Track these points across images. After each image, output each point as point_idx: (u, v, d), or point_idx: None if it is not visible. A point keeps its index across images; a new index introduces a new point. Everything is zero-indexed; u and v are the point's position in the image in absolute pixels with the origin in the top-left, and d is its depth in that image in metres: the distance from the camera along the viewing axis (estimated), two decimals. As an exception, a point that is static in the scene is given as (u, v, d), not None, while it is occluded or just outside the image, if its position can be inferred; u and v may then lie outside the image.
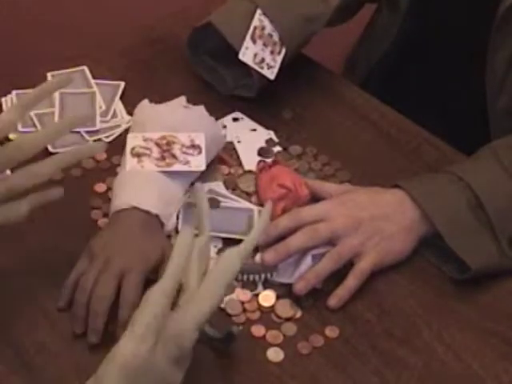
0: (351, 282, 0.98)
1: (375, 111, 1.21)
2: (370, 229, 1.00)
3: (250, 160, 1.12)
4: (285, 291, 0.98)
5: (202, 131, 1.06)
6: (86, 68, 1.23)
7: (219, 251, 1.01)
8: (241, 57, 1.12)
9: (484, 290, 1.00)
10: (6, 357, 0.92)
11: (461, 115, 1.28)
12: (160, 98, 1.11)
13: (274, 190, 1.05)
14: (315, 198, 1.05)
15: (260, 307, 0.97)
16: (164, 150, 1.03)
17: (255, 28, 1.13)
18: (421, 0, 1.26)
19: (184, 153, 1.04)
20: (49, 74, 1.22)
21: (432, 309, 0.98)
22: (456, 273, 1.00)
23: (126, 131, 1.12)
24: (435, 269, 1.02)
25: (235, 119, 1.18)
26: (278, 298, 0.98)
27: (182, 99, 1.11)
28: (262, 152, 1.14)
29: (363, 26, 1.43)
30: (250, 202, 1.07)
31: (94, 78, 1.22)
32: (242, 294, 0.97)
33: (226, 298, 0.97)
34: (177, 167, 1.02)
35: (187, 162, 1.03)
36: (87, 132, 1.15)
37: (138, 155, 1.03)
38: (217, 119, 1.13)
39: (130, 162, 1.02)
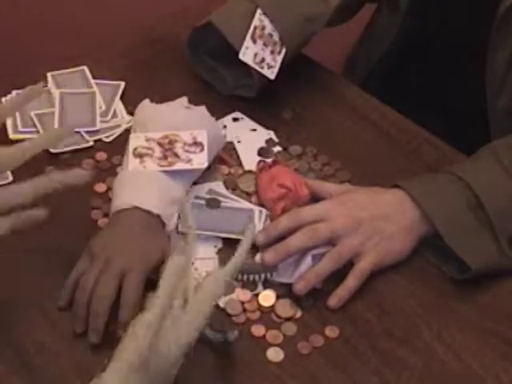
0: (351, 281, 0.98)
1: (375, 111, 1.21)
2: (370, 229, 1.00)
3: (250, 160, 1.12)
4: (285, 291, 0.98)
5: (204, 130, 1.06)
6: (86, 68, 1.23)
7: (219, 251, 1.01)
8: (241, 57, 1.12)
9: (484, 290, 1.00)
10: (6, 357, 0.92)
11: (461, 115, 1.28)
12: (160, 97, 1.11)
13: (274, 190, 1.05)
14: (315, 198, 1.05)
15: (260, 307, 0.97)
16: (166, 149, 1.03)
17: (255, 28, 1.13)
18: (421, 0, 1.26)
19: (186, 151, 1.04)
20: (49, 74, 1.22)
21: (432, 309, 0.98)
22: (456, 273, 1.00)
23: (127, 131, 1.13)
24: (435, 269, 1.02)
25: (235, 119, 1.18)
26: (278, 297, 0.98)
27: (184, 100, 1.11)
28: (261, 152, 1.14)
29: (363, 26, 1.43)
30: (250, 201, 1.07)
31: (94, 78, 1.22)
32: (242, 294, 0.97)
33: (226, 298, 0.97)
34: (179, 166, 1.02)
35: (189, 160, 1.03)
36: (87, 132, 1.15)
37: (141, 156, 1.03)
38: (217, 119, 1.13)
39: (132, 162, 1.02)
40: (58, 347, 0.92)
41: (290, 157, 1.14)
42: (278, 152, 1.14)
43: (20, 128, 1.15)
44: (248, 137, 1.16)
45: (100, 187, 1.09)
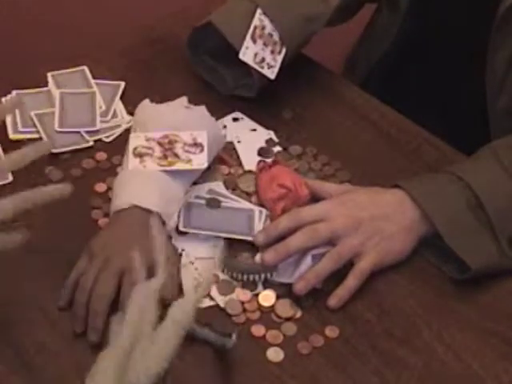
0: (351, 281, 0.98)
1: (375, 111, 1.21)
2: (370, 229, 1.00)
3: (250, 160, 1.12)
4: (285, 291, 0.98)
5: (204, 131, 1.06)
6: (86, 68, 1.23)
7: (219, 251, 1.01)
8: (241, 56, 1.12)
9: (484, 290, 1.00)
10: (6, 357, 0.92)
11: (461, 115, 1.28)
12: (160, 97, 1.11)
13: (274, 190, 1.05)
14: (315, 198, 1.05)
15: (260, 307, 0.97)
16: (166, 149, 1.03)
17: (255, 27, 1.13)
18: (421, 0, 1.26)
19: (186, 151, 1.04)
20: (49, 74, 1.22)
21: (432, 309, 0.98)
22: (456, 273, 1.00)
23: (127, 131, 1.13)
24: (435, 269, 1.02)
25: (235, 119, 1.18)
26: (278, 297, 0.98)
27: (184, 99, 1.11)
28: (261, 152, 1.14)
29: (363, 26, 1.43)
30: (250, 202, 1.07)
31: (94, 78, 1.22)
32: (242, 294, 0.97)
33: (226, 298, 0.97)
34: (179, 166, 1.03)
35: (189, 161, 1.03)
36: (87, 132, 1.15)
37: (141, 155, 1.03)
38: (217, 119, 1.13)
39: (132, 162, 1.02)
40: (57, 347, 0.92)
41: (290, 157, 1.14)
42: (278, 152, 1.14)
43: (20, 128, 1.15)
44: (248, 137, 1.16)
45: (100, 187, 1.09)
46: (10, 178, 1.08)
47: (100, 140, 1.15)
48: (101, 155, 1.13)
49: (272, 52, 1.14)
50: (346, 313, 0.97)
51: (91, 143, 1.14)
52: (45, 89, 1.20)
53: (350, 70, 1.44)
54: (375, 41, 1.36)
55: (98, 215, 1.05)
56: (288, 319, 0.96)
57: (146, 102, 1.10)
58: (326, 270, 0.97)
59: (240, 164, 1.12)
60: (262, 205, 1.06)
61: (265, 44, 1.14)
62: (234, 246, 1.01)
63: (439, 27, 1.28)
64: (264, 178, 1.07)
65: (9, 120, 1.15)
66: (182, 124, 1.06)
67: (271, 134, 1.16)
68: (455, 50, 1.27)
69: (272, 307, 0.97)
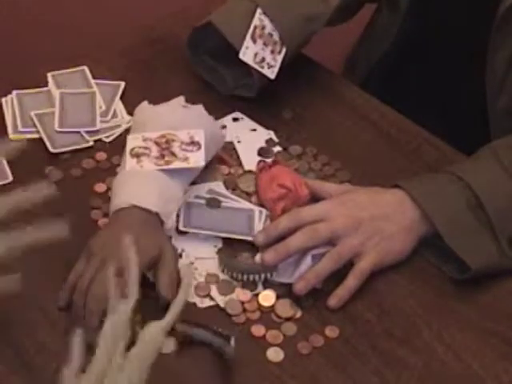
0: (351, 281, 0.98)
1: (375, 111, 1.21)
2: (370, 229, 1.00)
3: (250, 160, 1.12)
4: (285, 291, 0.98)
5: (201, 129, 1.06)
6: (86, 68, 1.23)
7: (219, 251, 1.01)
8: (241, 56, 1.12)
9: (484, 290, 1.00)
10: (6, 357, 0.92)
11: (461, 115, 1.28)
12: (160, 98, 1.11)
13: (274, 190, 1.05)
14: (315, 198, 1.05)
15: (260, 307, 0.97)
16: (163, 149, 1.03)
17: (255, 27, 1.13)
18: (421, 0, 1.26)
19: (183, 150, 1.04)
20: (49, 74, 1.22)
21: (432, 309, 0.98)
22: (456, 273, 1.00)
23: (127, 131, 1.13)
24: (435, 269, 1.02)
25: (235, 119, 1.18)
26: (278, 297, 0.98)
27: (181, 99, 1.11)
28: (262, 152, 1.14)
29: (363, 26, 1.43)
30: (250, 202, 1.07)
31: (94, 78, 1.22)
32: (242, 294, 0.97)
33: (226, 298, 0.97)
34: (176, 164, 1.02)
35: (186, 159, 1.03)
36: (87, 132, 1.15)
37: (138, 155, 1.03)
38: (217, 119, 1.13)
39: (129, 162, 1.02)
40: (57, 347, 0.92)
41: (290, 157, 1.14)
42: (278, 152, 1.14)
43: (20, 128, 1.15)
44: (248, 137, 1.16)
45: (100, 187, 1.09)
46: (10, 177, 1.08)
47: (100, 140, 1.15)
48: (101, 155, 1.13)
49: (272, 52, 1.14)
50: (346, 313, 0.97)
51: (91, 143, 1.14)
52: (45, 89, 1.20)
53: (350, 70, 1.44)
54: (375, 41, 1.36)
55: (97, 215, 1.05)
56: (288, 319, 0.96)
57: (145, 103, 1.10)
58: (326, 269, 0.97)
59: (240, 164, 1.12)
60: (262, 205, 1.06)
61: (265, 44, 1.13)
62: (233, 245, 1.01)
63: (439, 27, 1.28)
64: (264, 178, 1.07)
65: (9, 120, 1.15)
66: (180, 123, 1.06)
67: (271, 134, 1.16)
68: (455, 49, 1.27)
69: (272, 307, 0.97)
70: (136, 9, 2.03)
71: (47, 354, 0.92)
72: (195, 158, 1.03)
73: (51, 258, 0.99)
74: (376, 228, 1.00)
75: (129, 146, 1.04)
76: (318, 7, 1.19)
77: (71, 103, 1.17)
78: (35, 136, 1.14)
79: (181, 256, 1.00)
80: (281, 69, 1.15)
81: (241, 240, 1.01)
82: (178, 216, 1.03)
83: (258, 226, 1.03)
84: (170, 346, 0.90)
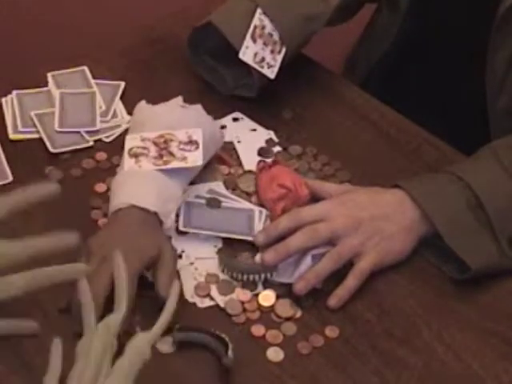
0: (351, 282, 0.98)
1: (375, 111, 1.21)
2: (370, 229, 1.00)
3: (250, 160, 1.12)
4: (285, 291, 0.98)
5: (199, 128, 1.06)
6: (86, 68, 1.23)
7: (219, 251, 1.01)
8: (241, 56, 1.12)
9: (484, 290, 1.00)
10: (6, 357, 0.92)
11: (461, 115, 1.28)
12: (160, 98, 1.11)
13: (274, 190, 1.05)
14: (315, 198, 1.05)
15: (260, 307, 0.97)
16: (161, 149, 1.03)
17: (255, 27, 1.13)
18: (421, 0, 1.26)
19: (181, 149, 1.03)
20: (49, 74, 1.22)
21: (432, 309, 0.98)
22: (456, 273, 1.00)
23: (127, 131, 1.12)
24: (435, 269, 1.02)
25: (235, 119, 1.18)
26: (277, 297, 0.98)
27: (179, 99, 1.11)
28: (262, 152, 1.14)
29: (363, 26, 1.43)
30: (250, 202, 1.07)
31: (94, 78, 1.22)
32: (242, 294, 0.97)
33: (226, 298, 0.97)
34: (174, 164, 1.02)
35: (184, 158, 1.03)
36: (87, 132, 1.15)
37: (136, 155, 1.03)
38: (217, 119, 1.13)
39: (127, 162, 1.02)
40: (57, 347, 0.92)
41: (290, 157, 1.14)
42: (278, 152, 1.14)
43: (20, 128, 1.15)
44: (248, 137, 1.16)
45: (100, 187, 1.09)
46: (10, 177, 1.08)
47: (100, 140, 1.15)
48: (101, 155, 1.13)
49: (272, 52, 1.14)
50: (346, 313, 0.97)
51: (91, 143, 1.14)
52: (45, 89, 1.20)
53: (350, 70, 1.44)
54: (375, 41, 1.36)
55: (97, 215, 1.05)
56: (288, 319, 0.96)
57: (143, 103, 1.10)
58: (325, 269, 0.97)
59: (240, 164, 1.12)
60: (262, 205, 1.06)
61: (265, 44, 1.14)
62: (233, 245, 1.01)
63: (439, 27, 1.28)
64: (264, 178, 1.07)
65: (9, 120, 1.15)
66: (178, 123, 1.06)
67: (271, 134, 1.16)
68: (455, 49, 1.27)
69: (272, 307, 0.97)
70: (136, 9, 2.03)
71: (47, 353, 0.92)
72: (193, 158, 1.03)
73: (51, 259, 0.99)
74: (376, 228, 1.00)
75: (127, 146, 1.04)
76: (317, 7, 1.19)
77: (71, 103, 1.17)
78: (35, 136, 1.14)
79: (181, 256, 1.00)
80: (281, 69, 1.15)
81: (241, 240, 1.01)
82: (177, 216, 1.03)
83: (258, 226, 1.03)
84: (168, 347, 0.91)
